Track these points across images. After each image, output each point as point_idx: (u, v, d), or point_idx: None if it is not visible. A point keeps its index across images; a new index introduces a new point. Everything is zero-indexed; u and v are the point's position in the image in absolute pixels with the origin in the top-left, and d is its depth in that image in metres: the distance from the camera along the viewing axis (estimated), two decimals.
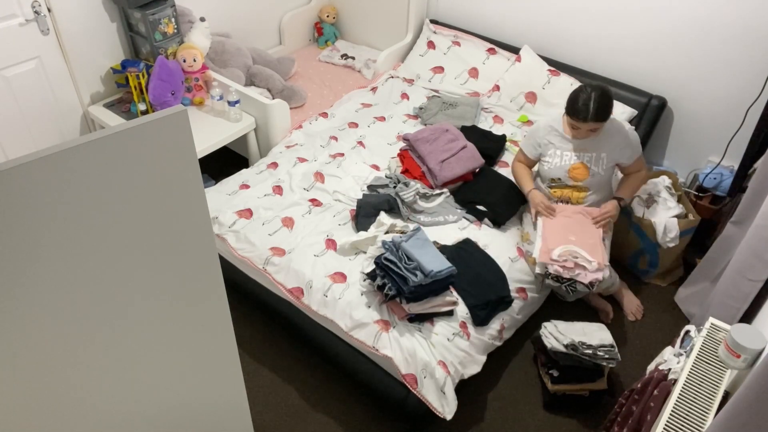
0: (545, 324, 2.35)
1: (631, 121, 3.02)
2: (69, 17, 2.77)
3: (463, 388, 2.22)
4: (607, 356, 2.21)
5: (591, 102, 2.34)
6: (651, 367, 1.93)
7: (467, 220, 2.62)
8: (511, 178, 2.78)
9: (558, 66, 3.28)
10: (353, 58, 3.88)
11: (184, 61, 3.03)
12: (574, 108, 2.39)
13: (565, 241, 2.40)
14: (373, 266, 2.21)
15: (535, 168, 2.74)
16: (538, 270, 2.40)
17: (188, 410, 1.52)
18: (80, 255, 1.05)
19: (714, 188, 2.92)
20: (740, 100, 2.81)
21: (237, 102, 3.01)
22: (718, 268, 2.50)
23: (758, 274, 2.11)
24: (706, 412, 1.59)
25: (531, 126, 2.76)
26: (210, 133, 2.97)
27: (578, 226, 2.47)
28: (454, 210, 2.67)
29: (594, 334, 2.26)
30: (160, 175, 1.09)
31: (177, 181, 1.12)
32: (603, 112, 2.37)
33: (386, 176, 2.75)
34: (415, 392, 2.05)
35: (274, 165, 2.90)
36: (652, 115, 3.00)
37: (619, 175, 2.71)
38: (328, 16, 4.08)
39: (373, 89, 3.56)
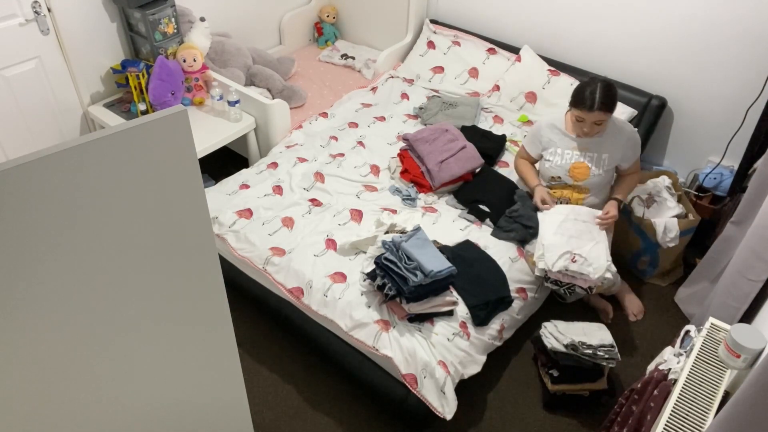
0: (545, 324, 2.35)
1: (630, 121, 3.02)
2: (69, 17, 2.76)
3: (463, 388, 2.22)
4: (607, 356, 2.21)
5: (597, 92, 2.35)
6: (651, 367, 1.93)
7: (467, 220, 2.62)
8: (512, 178, 2.78)
9: (558, 66, 3.27)
10: (353, 58, 3.88)
11: (184, 61, 3.03)
12: (580, 98, 2.39)
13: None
14: (373, 266, 2.21)
15: (537, 166, 2.74)
16: (537, 273, 2.40)
17: (188, 410, 1.52)
18: (80, 255, 1.05)
19: (714, 188, 2.92)
20: (740, 100, 2.81)
21: (237, 102, 3.01)
22: (718, 268, 2.50)
23: (758, 274, 2.11)
24: (706, 412, 1.59)
25: (532, 126, 2.75)
26: (210, 133, 2.97)
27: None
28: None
29: (594, 334, 2.26)
30: (160, 175, 1.09)
31: (177, 181, 1.12)
32: (609, 103, 2.38)
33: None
34: (415, 392, 2.05)
35: (274, 165, 2.90)
36: (652, 115, 3.00)
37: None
38: (328, 16, 4.08)
39: (373, 89, 3.56)
